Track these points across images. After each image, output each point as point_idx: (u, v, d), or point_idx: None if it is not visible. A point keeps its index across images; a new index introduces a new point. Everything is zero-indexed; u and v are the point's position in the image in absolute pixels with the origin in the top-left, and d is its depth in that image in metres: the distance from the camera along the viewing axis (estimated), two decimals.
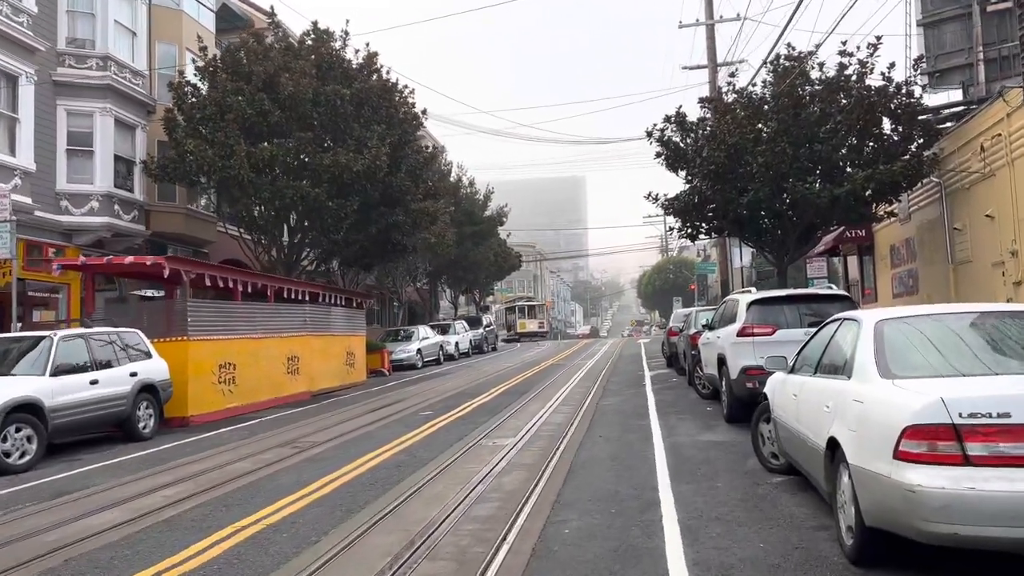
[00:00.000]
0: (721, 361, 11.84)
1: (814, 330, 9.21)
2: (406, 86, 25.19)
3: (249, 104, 21.18)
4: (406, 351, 28.87)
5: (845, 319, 6.26)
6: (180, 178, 21.36)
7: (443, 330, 36.17)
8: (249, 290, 16.80)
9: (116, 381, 12.12)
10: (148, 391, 12.84)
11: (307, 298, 19.51)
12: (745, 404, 11.06)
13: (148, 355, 13.19)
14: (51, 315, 20.82)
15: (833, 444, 5.27)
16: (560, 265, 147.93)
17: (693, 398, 14.93)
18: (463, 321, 39.67)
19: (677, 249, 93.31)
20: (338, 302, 21.83)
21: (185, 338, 14.33)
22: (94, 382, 11.69)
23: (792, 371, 7.18)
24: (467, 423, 13.00)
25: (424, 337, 30.81)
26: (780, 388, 7.30)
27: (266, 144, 21.06)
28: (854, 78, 20.90)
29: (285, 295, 18.43)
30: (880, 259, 27.69)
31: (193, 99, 22.08)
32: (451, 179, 42.71)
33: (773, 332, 10.72)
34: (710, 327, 13.60)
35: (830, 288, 11.58)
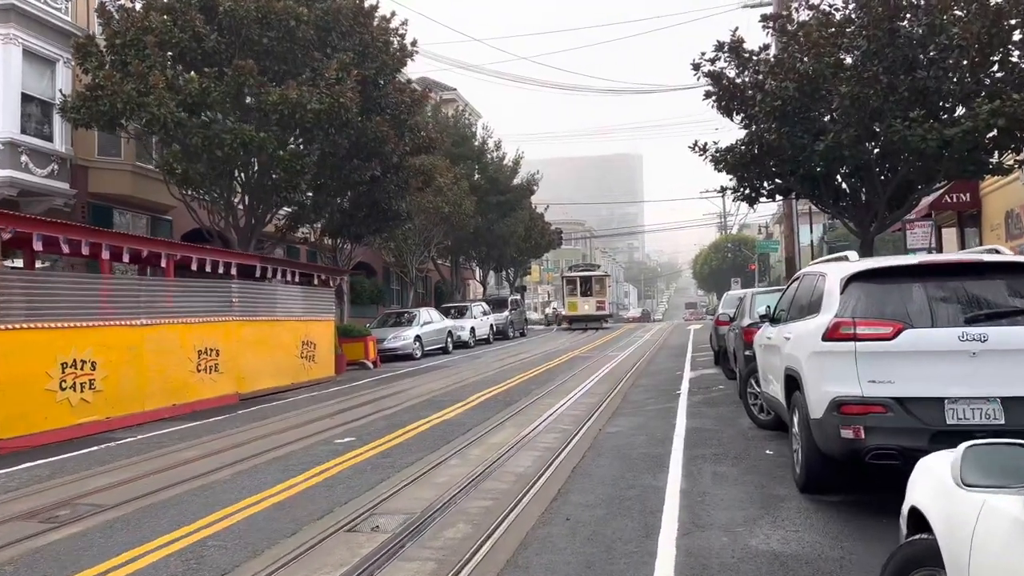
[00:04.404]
0: (792, 381, 6.77)
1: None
2: (394, 13, 20.31)
3: (179, 26, 16.58)
4: (401, 339, 24.09)
5: None
6: (94, 121, 16.89)
7: (459, 313, 31.44)
8: (125, 258, 12.20)
9: None
10: None
11: (235, 272, 14.84)
12: (836, 465, 6.04)
13: None
14: None
15: None
16: (614, 246, 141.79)
17: (744, 426, 9.86)
18: (483, 303, 34.77)
19: (737, 227, 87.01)
20: (290, 278, 17.16)
21: None
22: None
23: None
24: (381, 467, 8.22)
25: (426, 322, 25.98)
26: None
27: (193, 74, 16.46)
28: None
29: (195, 267, 13.77)
30: (990, 230, 22.10)
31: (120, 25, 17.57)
32: (475, 142, 37.96)
33: (896, 334, 5.62)
34: (772, 319, 8.47)
35: (996, 252, 6.42)
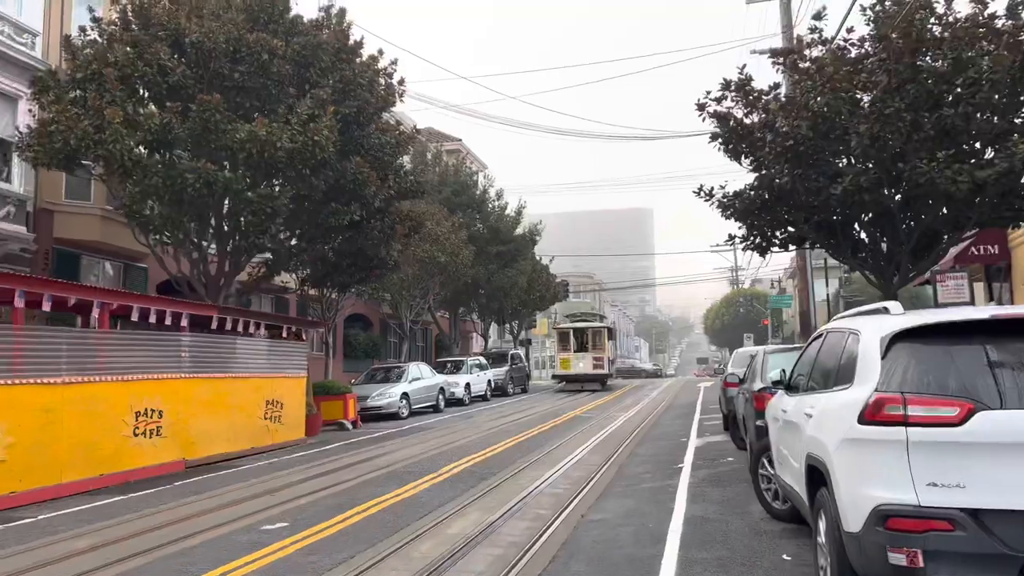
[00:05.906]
0: (816, 473, 5.12)
1: None
2: (381, 51, 19.17)
3: (144, 59, 15.40)
4: (385, 396, 22.42)
5: None
6: (50, 159, 15.62)
7: (454, 368, 29.79)
8: (46, 306, 10.70)
9: None
10: None
11: (185, 324, 13.33)
12: None
13: None
14: None
15: None
16: (627, 299, 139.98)
17: (755, 515, 8.12)
18: (480, 358, 33.09)
19: (749, 281, 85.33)
20: (254, 330, 15.62)
21: None
22: None
23: None
24: (298, 569, 6.57)
25: (416, 378, 24.31)
26: None
27: (153, 108, 15.24)
28: (1003, 14, 14.19)
29: (136, 317, 12.26)
30: (1022, 283, 20.54)
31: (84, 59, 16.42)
32: (476, 191, 36.82)
33: (966, 417, 4.00)
34: (789, 386, 6.86)
35: None
